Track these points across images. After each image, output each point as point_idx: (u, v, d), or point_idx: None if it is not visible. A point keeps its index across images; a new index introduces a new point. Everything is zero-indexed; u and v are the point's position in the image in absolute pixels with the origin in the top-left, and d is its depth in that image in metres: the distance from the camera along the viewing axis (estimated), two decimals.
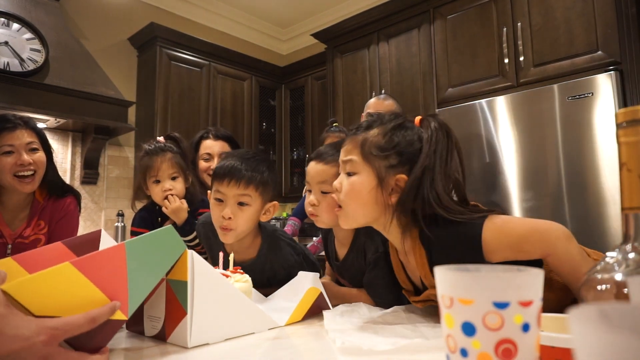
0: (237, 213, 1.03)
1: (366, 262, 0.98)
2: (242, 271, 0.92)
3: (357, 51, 3.40)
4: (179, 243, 0.69)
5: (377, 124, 0.83)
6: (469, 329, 0.35)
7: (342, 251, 1.05)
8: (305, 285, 0.89)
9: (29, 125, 1.49)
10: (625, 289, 0.38)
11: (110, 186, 3.42)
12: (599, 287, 0.40)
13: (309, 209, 0.97)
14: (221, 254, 0.97)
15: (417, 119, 0.85)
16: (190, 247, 1.47)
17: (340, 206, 0.83)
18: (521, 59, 2.47)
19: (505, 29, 2.56)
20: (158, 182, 1.36)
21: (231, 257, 0.94)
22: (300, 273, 0.96)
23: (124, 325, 0.78)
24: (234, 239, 1.05)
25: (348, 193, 0.80)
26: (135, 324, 0.76)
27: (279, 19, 4.51)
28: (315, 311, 0.88)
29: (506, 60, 2.54)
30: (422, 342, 0.62)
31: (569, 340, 0.42)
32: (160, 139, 1.47)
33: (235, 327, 0.73)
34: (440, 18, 2.89)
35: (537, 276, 0.35)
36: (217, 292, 0.71)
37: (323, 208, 0.95)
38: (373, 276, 0.97)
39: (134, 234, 1.44)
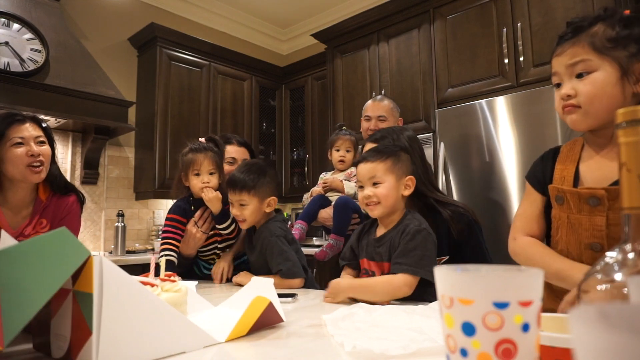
0: (241, 211, 1.42)
1: (403, 234, 1.08)
2: (174, 279, 0.80)
3: (357, 51, 3.40)
4: (78, 247, 0.57)
5: (599, 19, 0.82)
6: (469, 329, 0.35)
7: (382, 232, 1.16)
8: (253, 293, 0.78)
9: (36, 120, 1.57)
10: (625, 289, 0.38)
11: (110, 186, 3.42)
12: (599, 287, 0.40)
13: (364, 202, 1.13)
14: (152, 259, 0.84)
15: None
16: (226, 235, 1.59)
17: (578, 106, 0.83)
18: (521, 59, 2.47)
19: (505, 29, 2.56)
20: (198, 175, 1.58)
21: (162, 262, 0.82)
22: (254, 278, 0.90)
23: (32, 345, 0.68)
24: (246, 227, 1.46)
25: (589, 92, 0.79)
26: (44, 343, 0.63)
27: (279, 19, 4.51)
28: (263, 324, 0.76)
29: (506, 61, 2.54)
30: (432, 346, 0.63)
31: (569, 340, 0.42)
32: (202, 139, 1.66)
33: (159, 347, 0.61)
34: (440, 18, 2.89)
35: (537, 276, 0.35)
36: (132, 305, 0.58)
37: (380, 197, 1.10)
38: (411, 247, 1.05)
39: (168, 219, 1.61)
